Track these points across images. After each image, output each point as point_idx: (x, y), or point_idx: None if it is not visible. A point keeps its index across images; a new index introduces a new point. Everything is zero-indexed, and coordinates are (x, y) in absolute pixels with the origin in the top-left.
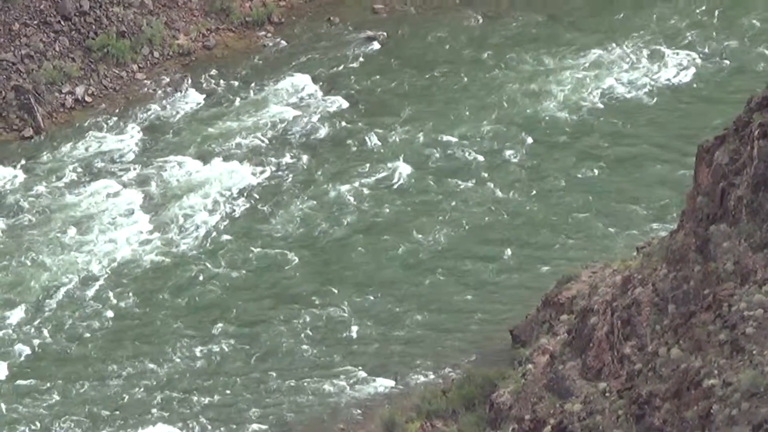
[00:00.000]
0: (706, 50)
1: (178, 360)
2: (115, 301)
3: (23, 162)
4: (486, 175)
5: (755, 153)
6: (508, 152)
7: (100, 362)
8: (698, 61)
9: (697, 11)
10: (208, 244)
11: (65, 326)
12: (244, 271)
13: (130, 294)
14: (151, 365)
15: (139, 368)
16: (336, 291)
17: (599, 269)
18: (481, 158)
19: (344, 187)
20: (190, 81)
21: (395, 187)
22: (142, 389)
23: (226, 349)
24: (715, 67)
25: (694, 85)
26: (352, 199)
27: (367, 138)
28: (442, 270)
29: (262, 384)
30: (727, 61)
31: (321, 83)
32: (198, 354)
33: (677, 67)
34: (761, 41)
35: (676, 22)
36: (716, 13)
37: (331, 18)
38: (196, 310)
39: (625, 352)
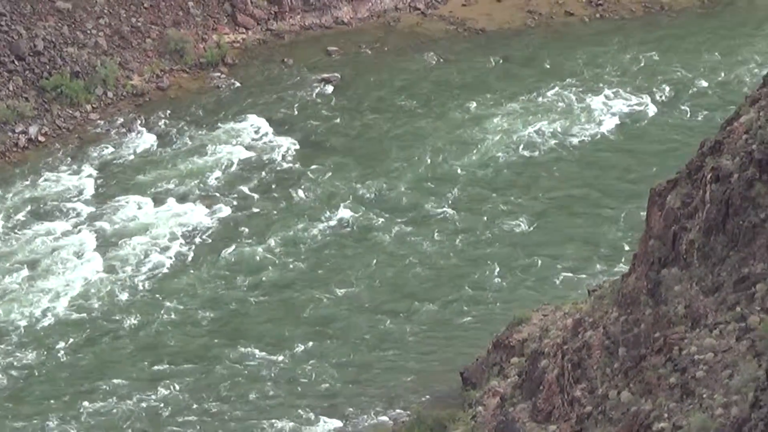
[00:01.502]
0: (658, 95)
1: (126, 400)
2: (65, 341)
3: None
4: (442, 216)
5: (707, 197)
6: (465, 190)
7: (52, 400)
8: (648, 104)
9: (653, 56)
10: (159, 285)
11: (14, 366)
12: (194, 312)
13: (81, 333)
14: (100, 404)
15: (88, 408)
16: (287, 331)
17: (550, 312)
18: (437, 198)
19: (296, 229)
20: (143, 121)
21: (347, 228)
22: (89, 428)
23: (175, 389)
24: (665, 110)
25: (644, 128)
26: (304, 240)
27: (319, 178)
28: (394, 312)
29: (210, 425)
30: (680, 106)
31: (274, 125)
32: (146, 394)
33: (628, 109)
34: (714, 86)
35: (632, 66)
36: (670, 57)
37: (285, 60)
38: (145, 350)
39: (575, 395)
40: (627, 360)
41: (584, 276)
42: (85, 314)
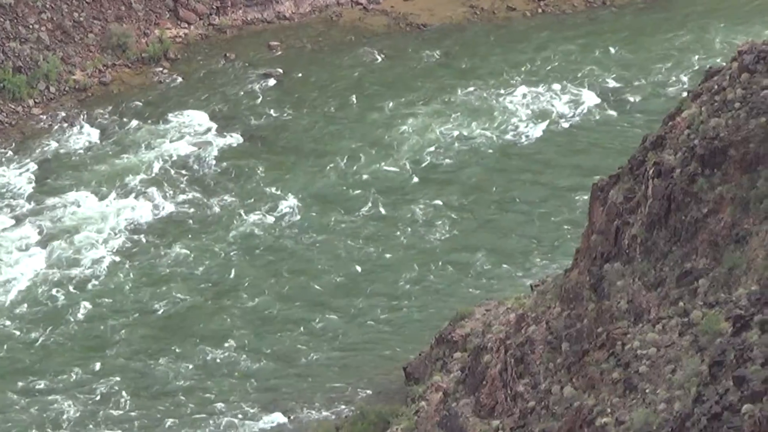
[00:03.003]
0: (604, 89)
1: (67, 395)
2: (8, 336)
3: None
4: (381, 210)
5: (650, 192)
6: (403, 187)
7: None
8: (595, 99)
9: (595, 51)
10: (103, 280)
11: None
12: (138, 307)
13: (24, 328)
14: (41, 398)
15: (29, 403)
16: (230, 327)
17: (493, 307)
18: (386, 191)
19: (240, 224)
20: (85, 116)
21: (290, 223)
22: (28, 423)
23: (117, 384)
24: (607, 105)
25: (587, 124)
26: (247, 235)
27: (261, 175)
28: (336, 308)
29: (152, 420)
30: (625, 100)
31: (217, 120)
32: (88, 389)
33: (569, 105)
34: (660, 81)
35: (573, 61)
36: (614, 53)
37: (228, 54)
38: (87, 346)
39: (518, 390)
40: (570, 355)
41: (525, 271)
42: (28, 309)
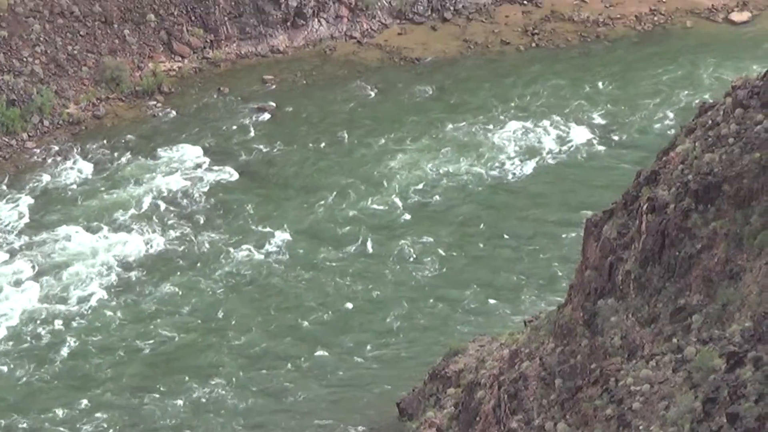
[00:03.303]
0: (593, 124)
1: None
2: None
3: None
4: (376, 246)
5: (643, 227)
6: (394, 222)
7: None
8: (584, 135)
9: (585, 86)
10: (91, 317)
11: None
12: (126, 344)
13: (16, 363)
14: None
15: None
16: (221, 362)
17: (486, 343)
18: (375, 227)
19: (233, 259)
20: (79, 150)
21: (279, 260)
22: None
23: (104, 421)
24: (595, 141)
25: (575, 160)
26: (241, 270)
27: (251, 210)
28: (326, 344)
29: None
30: (614, 136)
31: (209, 154)
32: (74, 426)
33: (558, 140)
34: (648, 116)
35: (567, 95)
36: (604, 88)
37: (221, 88)
38: (79, 380)
39: (511, 426)
40: (563, 391)
41: (515, 308)
42: (20, 344)
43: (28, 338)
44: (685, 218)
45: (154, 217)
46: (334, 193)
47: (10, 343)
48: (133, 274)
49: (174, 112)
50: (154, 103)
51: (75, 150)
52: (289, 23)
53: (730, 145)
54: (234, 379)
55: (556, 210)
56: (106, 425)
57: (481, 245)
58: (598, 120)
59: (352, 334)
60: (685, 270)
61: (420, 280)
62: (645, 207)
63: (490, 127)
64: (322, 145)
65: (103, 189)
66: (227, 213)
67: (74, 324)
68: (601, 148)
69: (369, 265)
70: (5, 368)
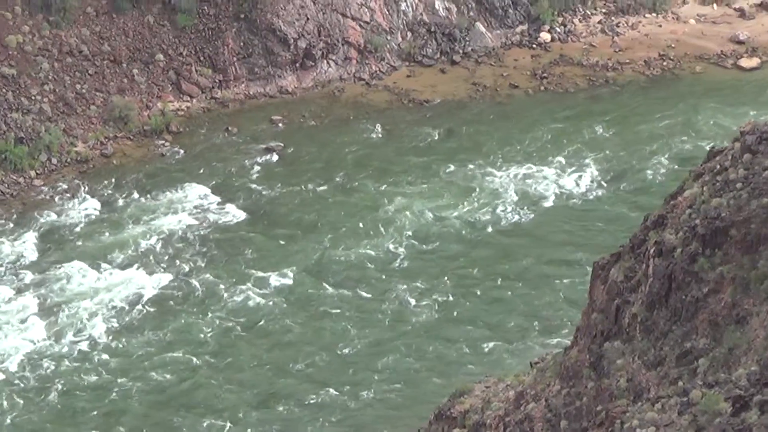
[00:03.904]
0: (594, 169)
1: None
2: (8, 407)
3: None
4: (385, 285)
5: (650, 271)
6: (403, 264)
7: None
8: (584, 179)
9: (587, 131)
10: (101, 352)
11: None
12: (137, 380)
13: (23, 400)
14: None
15: None
16: (231, 399)
17: (492, 384)
18: (379, 267)
19: (240, 297)
20: (87, 188)
21: (283, 300)
22: None
23: None
24: (601, 185)
25: (580, 203)
26: (249, 308)
27: (259, 251)
28: (336, 382)
29: None
30: (623, 179)
31: (218, 193)
32: None
33: (571, 184)
34: (658, 160)
35: (575, 138)
36: (607, 132)
37: (230, 128)
38: (85, 418)
39: None
40: None
41: (522, 349)
42: (27, 381)
43: (30, 376)
44: (692, 262)
45: (158, 257)
46: (337, 234)
47: (20, 379)
48: (138, 313)
49: (182, 152)
50: (162, 142)
51: (82, 188)
52: (298, 64)
53: (738, 189)
54: (234, 420)
55: (557, 253)
56: None
57: (483, 288)
58: (599, 164)
59: (355, 376)
60: (691, 313)
61: (423, 323)
62: (652, 250)
63: (495, 170)
64: (328, 186)
65: (109, 227)
66: (230, 253)
67: (78, 361)
68: (600, 192)
69: (373, 308)
70: (10, 403)
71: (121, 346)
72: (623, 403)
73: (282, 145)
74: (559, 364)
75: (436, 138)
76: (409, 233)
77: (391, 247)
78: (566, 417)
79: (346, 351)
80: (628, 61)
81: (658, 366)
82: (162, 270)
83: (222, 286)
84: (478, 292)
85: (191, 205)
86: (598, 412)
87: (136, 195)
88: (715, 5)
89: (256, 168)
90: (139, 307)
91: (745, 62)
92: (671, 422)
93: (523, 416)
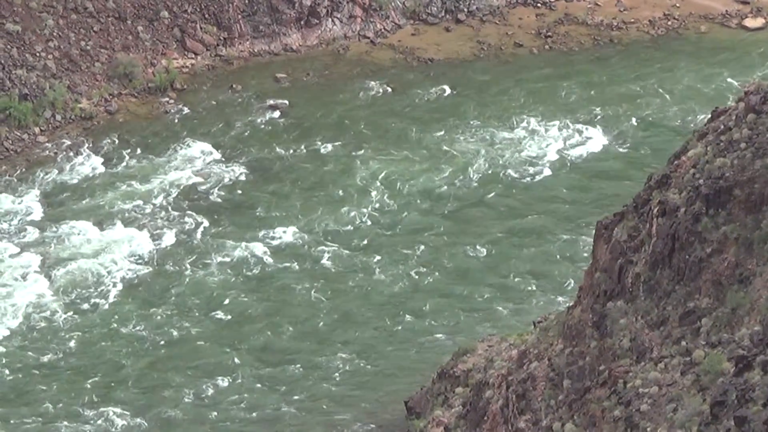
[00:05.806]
0: (605, 127)
1: (63, 423)
2: (8, 362)
3: None
4: (385, 246)
5: (654, 230)
6: (407, 223)
7: None
8: (597, 137)
9: (603, 89)
10: (104, 309)
11: None
12: (139, 336)
13: (24, 356)
14: (37, 426)
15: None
16: (233, 358)
17: (495, 343)
18: (382, 226)
19: (243, 254)
20: (91, 145)
21: (295, 254)
22: None
23: (113, 413)
24: (614, 143)
25: (588, 162)
26: (251, 266)
27: (264, 207)
28: (338, 341)
29: None
30: (627, 139)
31: (222, 150)
32: (87, 417)
33: (576, 143)
34: (661, 120)
35: (579, 98)
36: (615, 90)
37: (234, 86)
38: (87, 373)
39: (519, 427)
40: (571, 392)
41: (528, 307)
42: (28, 336)
43: (35, 331)
44: (696, 222)
45: (162, 213)
46: (346, 191)
47: (22, 335)
48: (142, 268)
49: (186, 109)
50: (167, 99)
51: (86, 145)
52: (302, 22)
53: (741, 149)
54: (242, 375)
55: (565, 211)
56: (113, 418)
57: (491, 246)
58: (605, 123)
59: (361, 333)
60: (694, 273)
61: (431, 281)
62: (656, 210)
63: (499, 129)
64: (333, 144)
65: (113, 184)
66: (239, 209)
67: (80, 318)
68: (605, 151)
69: (377, 263)
70: (11, 359)
71: (123, 303)
72: (626, 362)
73: (286, 102)
74: (562, 324)
75: (442, 96)
76: (413, 190)
77: (398, 204)
78: (569, 376)
79: (347, 310)
80: (632, 20)
81: (661, 326)
82: (165, 227)
83: (225, 244)
84: (483, 251)
85: (195, 161)
86: (601, 371)
87: (140, 152)
88: None
89: (261, 126)
90: (141, 264)
91: (750, 22)
92: (674, 382)
93: (525, 375)
